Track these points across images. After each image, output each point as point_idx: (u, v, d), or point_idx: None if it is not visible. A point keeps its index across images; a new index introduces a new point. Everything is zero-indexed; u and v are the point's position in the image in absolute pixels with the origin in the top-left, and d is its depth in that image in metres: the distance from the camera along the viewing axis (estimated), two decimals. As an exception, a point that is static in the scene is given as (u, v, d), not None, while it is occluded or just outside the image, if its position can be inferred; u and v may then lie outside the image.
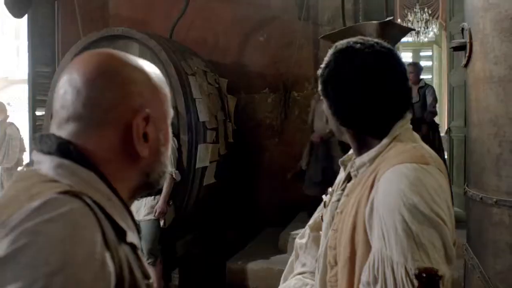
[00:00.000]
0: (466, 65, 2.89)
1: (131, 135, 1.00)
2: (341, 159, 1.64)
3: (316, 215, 1.79)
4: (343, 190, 1.56)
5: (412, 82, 6.41)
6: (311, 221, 1.79)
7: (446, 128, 7.50)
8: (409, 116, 1.51)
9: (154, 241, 4.88)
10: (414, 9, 9.93)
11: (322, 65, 1.51)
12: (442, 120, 12.51)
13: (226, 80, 6.51)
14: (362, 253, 1.36)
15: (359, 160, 1.49)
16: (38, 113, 6.70)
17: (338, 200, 1.55)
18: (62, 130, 0.99)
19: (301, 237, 1.79)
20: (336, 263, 1.47)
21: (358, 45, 1.46)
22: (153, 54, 5.23)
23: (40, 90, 6.71)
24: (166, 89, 1.09)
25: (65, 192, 0.88)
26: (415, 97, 6.47)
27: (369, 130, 1.48)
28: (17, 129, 8.43)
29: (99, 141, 0.98)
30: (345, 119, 1.49)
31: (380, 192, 1.33)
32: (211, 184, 5.62)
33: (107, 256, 0.87)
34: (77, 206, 0.87)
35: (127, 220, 0.99)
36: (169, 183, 4.86)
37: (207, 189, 5.55)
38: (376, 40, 1.50)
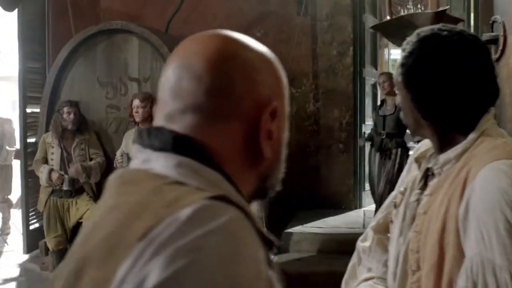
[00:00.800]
0: (498, 59, 2.80)
1: (257, 131, 0.85)
2: (415, 156, 1.52)
3: (379, 216, 1.67)
4: (421, 189, 1.45)
5: (387, 93, 6.03)
6: (373, 223, 1.67)
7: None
8: (493, 110, 1.40)
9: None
10: (407, 6, 9.91)
11: (404, 54, 1.39)
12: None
13: (224, 76, 6.36)
14: (452, 256, 1.25)
15: (443, 157, 1.37)
16: (28, 110, 6.50)
17: (418, 200, 1.43)
18: (175, 122, 0.84)
19: (363, 240, 1.67)
20: (419, 267, 1.36)
21: (445, 33, 1.35)
22: (153, 48, 5.08)
23: (30, 87, 6.51)
24: (286, 80, 0.95)
25: (217, 198, 0.74)
26: (390, 108, 6.00)
27: (455, 124, 1.37)
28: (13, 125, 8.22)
29: (221, 137, 0.84)
30: (430, 112, 1.37)
31: (477, 191, 1.22)
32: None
33: (272, 275, 0.74)
34: (235, 215, 0.73)
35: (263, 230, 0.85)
36: None
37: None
38: (460, 28, 1.40)
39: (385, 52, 12.97)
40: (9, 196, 8.13)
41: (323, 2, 6.71)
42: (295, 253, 5.56)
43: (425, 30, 1.39)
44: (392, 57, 13.46)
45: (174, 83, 0.85)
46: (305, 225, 5.92)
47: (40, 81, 6.68)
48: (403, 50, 1.40)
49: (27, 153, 6.42)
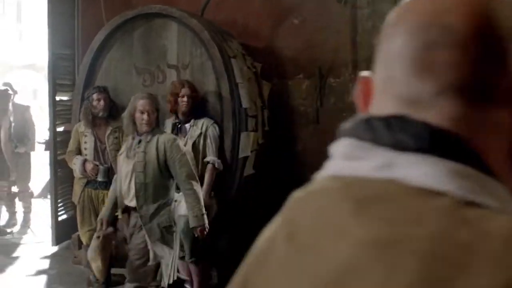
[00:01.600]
0: None
1: None
2: None
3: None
4: None
5: None
6: None
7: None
8: None
9: (196, 238, 4.51)
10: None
11: None
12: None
13: (260, 64, 6.12)
14: None
15: None
16: (58, 98, 6.30)
17: None
18: (424, 109, 0.59)
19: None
20: None
21: None
22: (193, 34, 4.83)
23: (60, 74, 6.31)
24: None
25: None
26: None
27: None
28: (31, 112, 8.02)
29: (488, 131, 0.58)
30: None
31: None
32: (249, 175, 5.24)
33: None
34: None
35: None
36: (211, 173, 4.49)
37: (246, 181, 5.17)
38: None
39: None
40: (29, 185, 7.93)
41: (364, -11, 6.43)
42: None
43: None
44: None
45: (417, 53, 0.59)
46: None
47: (69, 68, 6.50)
48: None
49: (57, 142, 6.24)
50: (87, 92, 4.87)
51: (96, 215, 4.80)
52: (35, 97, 15.18)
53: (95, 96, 4.75)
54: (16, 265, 5.89)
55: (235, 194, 4.98)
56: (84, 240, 4.89)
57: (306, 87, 6.50)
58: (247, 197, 5.28)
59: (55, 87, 6.17)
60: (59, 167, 6.24)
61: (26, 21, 15.19)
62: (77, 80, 5.29)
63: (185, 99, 4.48)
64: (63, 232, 6.30)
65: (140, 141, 4.02)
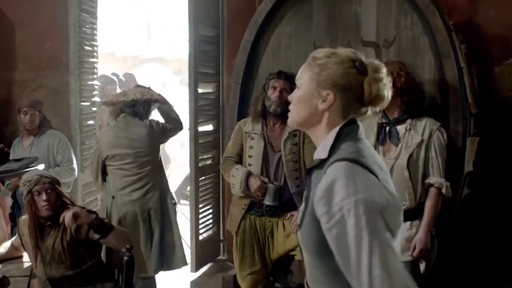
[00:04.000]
0: None
1: None
2: None
3: None
4: None
5: None
6: None
7: None
8: None
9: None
10: None
11: None
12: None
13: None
14: None
15: None
16: (201, 90, 5.14)
17: None
18: None
19: None
20: None
21: None
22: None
23: (203, 61, 5.13)
24: None
25: None
26: None
27: None
28: None
29: None
30: None
31: None
32: (466, 196, 3.76)
33: None
34: None
35: None
36: (435, 201, 3.06)
37: (464, 205, 3.70)
38: None
39: None
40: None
41: None
42: None
43: None
44: None
45: None
46: None
47: (212, 54, 5.31)
48: None
49: (198, 145, 5.07)
50: (266, 78, 3.61)
51: (262, 253, 3.49)
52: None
53: (271, 83, 3.46)
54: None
55: (453, 224, 3.51)
56: (244, 286, 3.59)
57: (519, 75, 4.99)
58: (465, 228, 3.80)
59: (197, 77, 5.02)
60: (201, 175, 5.09)
61: (155, 13, 14.59)
62: (236, 64, 4.01)
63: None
64: (203, 253, 5.16)
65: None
